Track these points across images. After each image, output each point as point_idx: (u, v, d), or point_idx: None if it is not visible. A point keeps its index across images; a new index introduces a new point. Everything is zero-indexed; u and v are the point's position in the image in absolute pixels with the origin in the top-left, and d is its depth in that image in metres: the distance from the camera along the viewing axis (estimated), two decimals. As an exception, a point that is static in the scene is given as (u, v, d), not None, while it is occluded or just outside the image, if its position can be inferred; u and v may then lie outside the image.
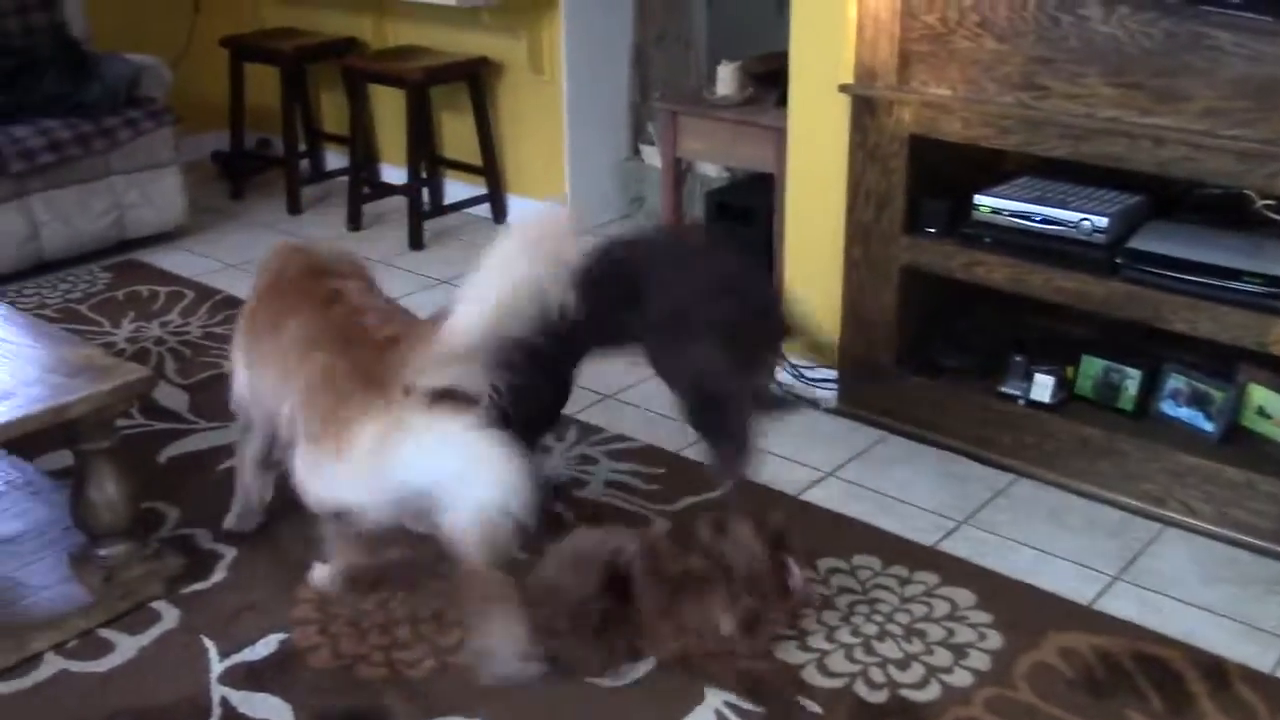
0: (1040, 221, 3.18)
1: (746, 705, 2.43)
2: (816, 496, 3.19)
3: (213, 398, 3.71)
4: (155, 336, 4.15)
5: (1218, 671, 2.53)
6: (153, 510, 3.08)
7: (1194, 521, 3.02)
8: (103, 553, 2.73)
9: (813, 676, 2.53)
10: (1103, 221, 3.09)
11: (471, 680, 2.50)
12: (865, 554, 2.92)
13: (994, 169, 3.42)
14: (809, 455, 3.39)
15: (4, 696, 2.48)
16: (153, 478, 3.24)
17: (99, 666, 2.57)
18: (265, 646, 2.61)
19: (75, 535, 2.80)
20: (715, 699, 2.44)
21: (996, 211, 3.24)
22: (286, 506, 2.95)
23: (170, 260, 4.83)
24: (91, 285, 4.58)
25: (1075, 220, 3.13)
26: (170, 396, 3.74)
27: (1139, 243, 3.07)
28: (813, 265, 3.55)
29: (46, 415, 2.56)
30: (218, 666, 2.57)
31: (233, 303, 4.40)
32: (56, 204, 4.59)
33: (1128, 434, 3.14)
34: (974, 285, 3.30)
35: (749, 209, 3.78)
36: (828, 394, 3.61)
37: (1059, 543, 2.99)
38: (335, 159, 5.69)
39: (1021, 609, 2.73)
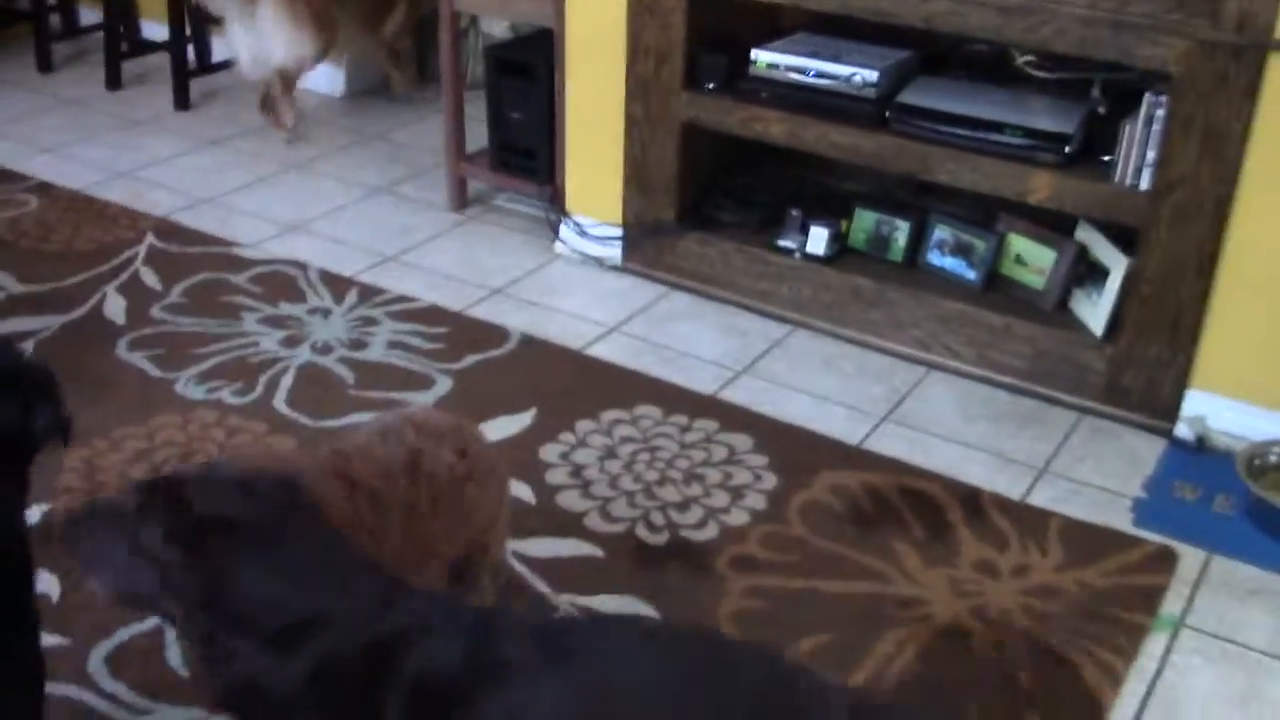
0: (814, 76, 3.23)
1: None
2: (600, 351, 3.22)
3: None
4: (-108, 203, 3.84)
5: (974, 501, 2.70)
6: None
7: (956, 364, 3.19)
8: None
9: (595, 523, 2.58)
10: (873, 75, 3.16)
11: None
12: (647, 404, 2.98)
13: (771, 25, 3.45)
14: (593, 311, 3.41)
15: None
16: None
17: None
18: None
19: None
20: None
21: (773, 66, 3.28)
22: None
23: (-94, 122, 4.45)
24: None
25: (847, 75, 3.19)
26: (-88, 265, 3.48)
27: (908, 97, 3.16)
28: (594, 122, 3.52)
29: None
30: None
31: (-21, 166, 4.10)
32: None
33: (897, 284, 3.27)
34: (752, 141, 3.35)
35: (529, 65, 3.71)
36: (612, 251, 3.62)
37: (832, 388, 3.11)
38: (90, 14, 5.30)
39: (796, 450, 2.83)
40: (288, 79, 4.27)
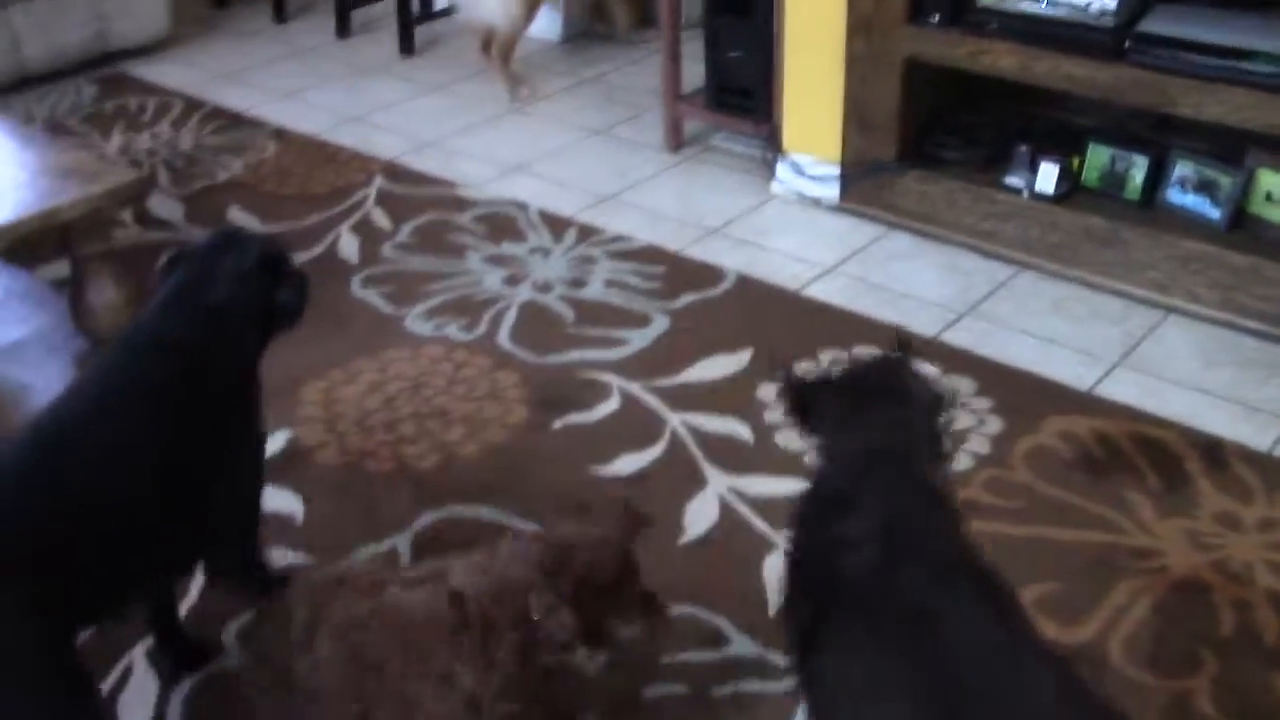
0: (1047, 5, 3.08)
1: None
2: (817, 292, 3.18)
3: (209, 207, 3.68)
4: (147, 148, 4.08)
5: (1215, 451, 2.56)
6: (154, 317, 3.08)
7: (1197, 308, 3.01)
8: (106, 356, 2.74)
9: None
10: (1111, 3, 3.00)
11: (474, 473, 2.55)
12: (866, 344, 2.93)
13: (1002, -48, 3.30)
14: (810, 252, 3.36)
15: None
16: (152, 285, 3.22)
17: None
18: (272, 443, 2.64)
19: (78, 340, 2.81)
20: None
21: (1003, -4, 3.15)
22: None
23: (157, 72, 4.71)
24: (78, 98, 4.48)
25: (1083, 3, 3.03)
26: (165, 206, 3.70)
27: (1148, 25, 2.99)
28: (813, 59, 3.45)
29: (39, 218, 2.53)
30: (227, 463, 2.60)
31: (221, 113, 4.31)
32: (35, 13, 4.46)
33: (1133, 223, 3.11)
34: (978, 76, 3.22)
35: (747, 2, 3.66)
36: (829, 191, 3.56)
37: (1060, 332, 2.99)
38: (321, -34, 5.50)
39: (1021, 395, 2.74)
40: (503, 44, 4.30)
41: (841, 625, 1.53)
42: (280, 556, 2.34)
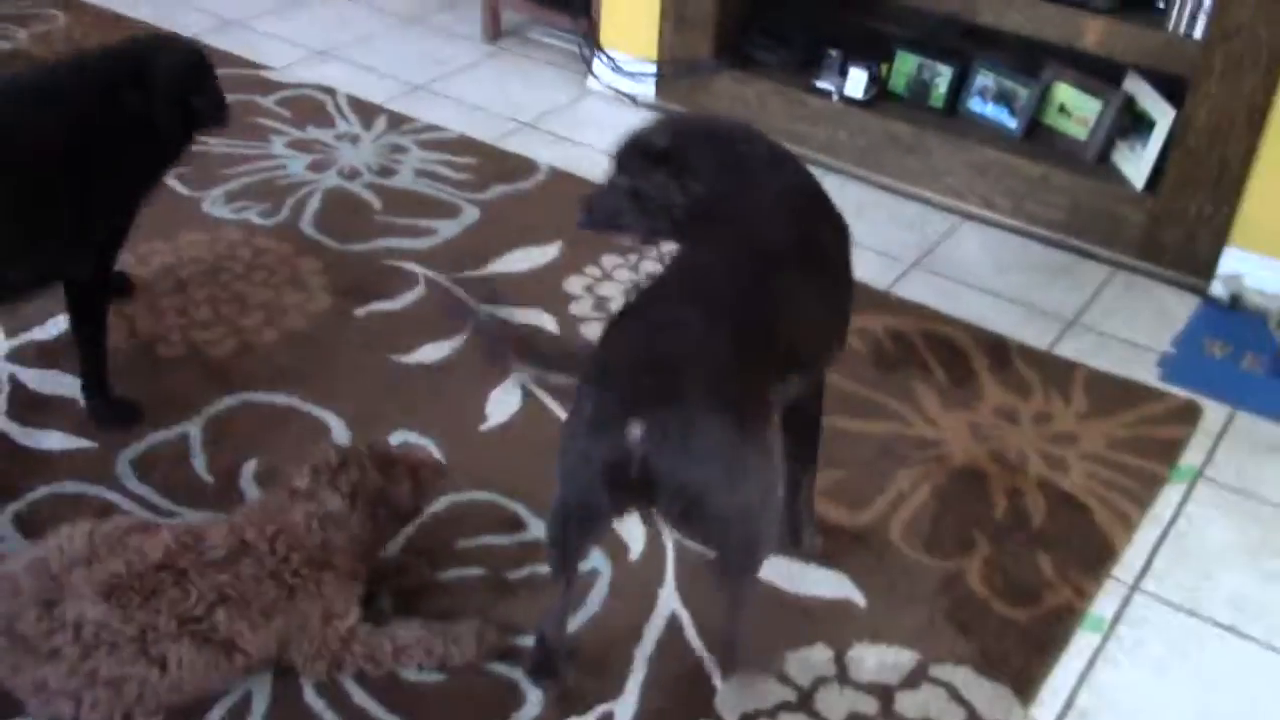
0: (863, -92, 3.12)
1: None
2: (630, 188, 3.18)
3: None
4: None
5: (1000, 349, 2.68)
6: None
7: (991, 214, 3.13)
8: None
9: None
10: (924, -91, 3.05)
11: (272, 360, 2.49)
12: (675, 241, 2.94)
13: None
14: (624, 149, 3.35)
15: None
16: None
17: (-127, 344, 2.45)
18: (55, 326, 2.52)
19: None
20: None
21: (819, -104, 3.16)
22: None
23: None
24: None
25: (897, -92, 3.07)
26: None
27: (958, -67, 3.05)
28: (633, -48, 3.42)
29: None
30: (4, 344, 2.47)
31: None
32: None
33: (936, 130, 3.19)
34: (794, -24, 3.25)
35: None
36: (645, 88, 3.55)
37: (863, 234, 3.01)
38: None
39: (822, 293, 2.80)
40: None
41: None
42: (65, 441, 2.25)
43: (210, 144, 3.19)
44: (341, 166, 3.17)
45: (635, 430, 1.57)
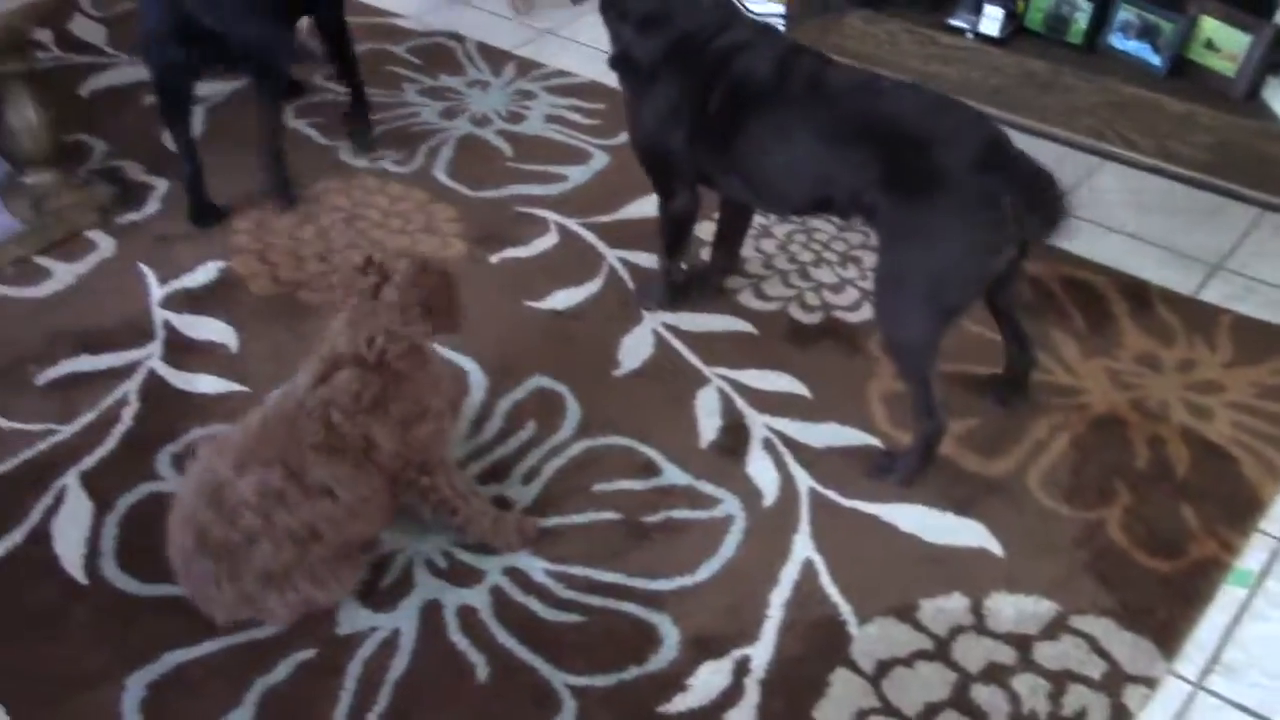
0: None
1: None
2: (759, 131, 3.16)
3: (132, 31, 3.55)
4: (67, -32, 3.91)
5: (1140, 294, 2.62)
6: (79, 143, 3.00)
7: (1132, 155, 3.04)
8: (29, 181, 2.68)
9: (748, 300, 2.58)
10: None
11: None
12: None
13: None
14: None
15: (-57, 321, 2.48)
16: (76, 110, 3.13)
17: (37, 292, 2.56)
18: (205, 274, 2.61)
19: (1, 166, 2.73)
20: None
21: None
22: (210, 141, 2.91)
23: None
24: (-7, -86, 4.27)
25: None
26: (87, 29, 3.56)
27: None
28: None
29: (-47, 34, 2.43)
30: (158, 292, 2.57)
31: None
32: None
33: (1074, 67, 3.11)
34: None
35: None
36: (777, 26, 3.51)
37: (997, 176, 3.00)
38: None
39: (956, 237, 2.76)
40: None
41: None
42: (216, 384, 2.33)
43: (345, 94, 3.26)
44: (473, 113, 3.20)
45: None
